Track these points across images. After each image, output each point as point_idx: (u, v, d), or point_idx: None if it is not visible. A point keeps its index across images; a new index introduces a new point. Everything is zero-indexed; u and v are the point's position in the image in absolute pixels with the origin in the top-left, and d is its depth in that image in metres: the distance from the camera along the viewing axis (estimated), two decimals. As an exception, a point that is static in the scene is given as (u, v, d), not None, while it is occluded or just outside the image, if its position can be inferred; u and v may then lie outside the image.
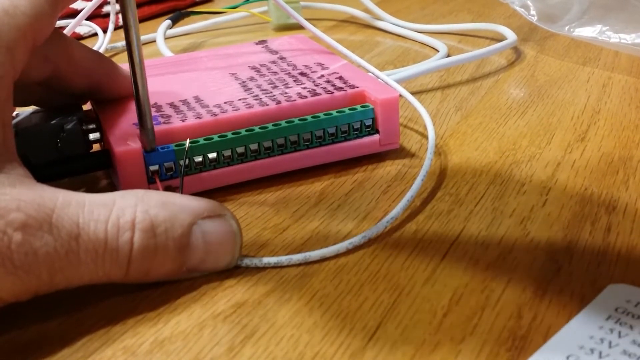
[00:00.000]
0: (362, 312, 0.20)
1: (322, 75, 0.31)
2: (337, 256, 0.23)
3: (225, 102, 0.28)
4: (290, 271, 0.22)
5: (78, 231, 0.19)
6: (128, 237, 0.20)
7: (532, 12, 0.43)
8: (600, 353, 0.18)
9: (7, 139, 0.21)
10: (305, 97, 0.28)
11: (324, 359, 0.19)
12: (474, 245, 0.23)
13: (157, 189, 0.25)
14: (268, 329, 0.20)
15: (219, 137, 0.27)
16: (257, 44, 0.36)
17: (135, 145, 0.25)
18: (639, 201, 0.25)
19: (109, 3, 0.50)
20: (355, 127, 0.28)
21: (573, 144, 0.30)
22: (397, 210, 0.25)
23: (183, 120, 0.27)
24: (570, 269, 0.22)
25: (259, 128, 0.27)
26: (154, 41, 0.46)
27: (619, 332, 0.19)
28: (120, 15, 0.56)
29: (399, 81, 0.36)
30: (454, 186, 0.27)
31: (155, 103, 0.28)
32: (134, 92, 0.24)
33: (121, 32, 0.53)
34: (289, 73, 0.31)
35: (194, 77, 0.32)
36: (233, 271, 0.22)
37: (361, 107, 0.28)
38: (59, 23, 0.49)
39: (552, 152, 0.30)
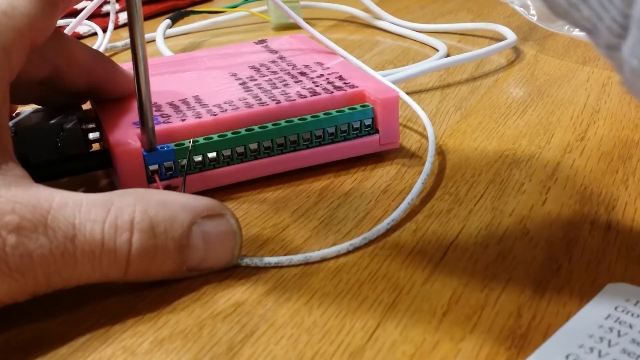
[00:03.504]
0: (361, 312, 0.20)
1: (322, 75, 0.31)
2: (337, 256, 0.23)
3: (225, 102, 0.28)
4: (289, 271, 0.22)
5: (74, 232, 0.19)
6: (126, 237, 0.20)
7: (532, 11, 0.43)
8: (599, 352, 0.18)
9: (4, 140, 0.21)
10: (305, 96, 0.28)
11: (323, 358, 0.19)
12: (474, 244, 0.23)
13: (157, 188, 0.25)
14: (267, 328, 0.20)
15: (218, 136, 0.27)
16: (256, 43, 0.36)
17: (135, 144, 0.25)
18: (638, 200, 0.25)
19: (108, 2, 0.50)
20: (354, 126, 0.28)
21: (573, 144, 0.30)
22: (398, 212, 0.25)
23: (183, 120, 0.27)
24: (570, 268, 0.22)
25: (259, 127, 0.27)
26: (154, 40, 0.46)
27: (619, 331, 0.19)
28: (119, 15, 0.56)
29: (399, 81, 0.36)
30: (454, 185, 0.27)
31: (155, 102, 0.28)
32: (136, 90, 0.24)
33: (120, 32, 0.53)
34: (289, 73, 0.31)
35: (194, 77, 0.32)
36: (232, 271, 0.22)
37: (361, 106, 0.28)
38: (59, 22, 0.49)
39: (552, 152, 0.30)
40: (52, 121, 0.26)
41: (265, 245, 0.24)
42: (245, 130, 0.27)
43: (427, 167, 0.27)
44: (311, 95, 0.28)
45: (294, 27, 0.51)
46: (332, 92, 0.29)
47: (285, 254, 0.23)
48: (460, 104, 0.35)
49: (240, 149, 0.27)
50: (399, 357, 0.18)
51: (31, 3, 0.22)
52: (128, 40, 0.49)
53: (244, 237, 0.23)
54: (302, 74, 0.31)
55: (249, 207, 0.27)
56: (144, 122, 0.25)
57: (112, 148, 0.25)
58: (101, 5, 0.53)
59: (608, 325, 0.19)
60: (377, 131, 0.29)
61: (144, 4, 0.23)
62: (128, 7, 0.23)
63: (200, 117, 0.27)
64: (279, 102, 0.28)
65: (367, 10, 0.51)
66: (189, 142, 0.26)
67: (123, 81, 0.29)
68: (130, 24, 0.23)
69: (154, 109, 0.28)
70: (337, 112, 0.28)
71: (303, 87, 0.29)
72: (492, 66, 0.41)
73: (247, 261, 0.23)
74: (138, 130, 0.26)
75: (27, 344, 0.20)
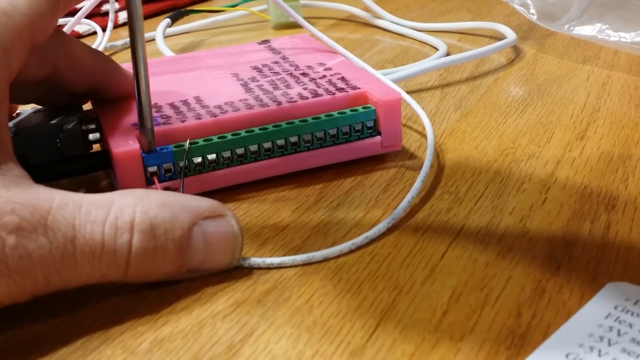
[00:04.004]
0: (361, 311, 0.20)
1: (324, 76, 0.31)
2: (338, 256, 0.23)
3: (225, 103, 0.28)
4: (289, 270, 0.22)
5: (74, 233, 0.19)
6: (126, 238, 0.20)
7: (532, 10, 0.43)
8: (599, 351, 0.18)
9: (4, 140, 0.21)
10: (307, 97, 0.28)
11: (323, 357, 0.19)
12: (474, 243, 0.23)
13: (156, 190, 0.25)
14: (267, 327, 0.20)
15: (218, 138, 0.26)
16: (259, 43, 0.36)
17: (134, 145, 0.25)
18: (638, 199, 0.25)
19: (108, 2, 0.50)
20: (356, 128, 0.28)
21: (572, 142, 0.30)
22: (398, 211, 0.25)
23: (183, 121, 0.27)
24: (570, 267, 0.22)
25: (259, 129, 0.27)
26: (153, 40, 0.46)
27: (619, 330, 0.19)
28: (119, 14, 0.56)
29: (399, 80, 0.36)
30: (454, 185, 0.27)
31: (156, 103, 0.28)
32: (135, 91, 0.24)
33: (120, 31, 0.53)
34: (291, 73, 0.31)
35: (195, 77, 0.32)
36: (232, 270, 0.22)
37: (363, 108, 0.28)
38: (59, 21, 0.49)
39: (552, 151, 0.30)
40: (52, 122, 0.26)
41: (265, 244, 0.24)
42: (246, 132, 0.27)
43: (426, 166, 0.27)
44: (313, 97, 0.28)
45: (294, 26, 0.51)
46: (333, 94, 0.28)
47: (285, 254, 0.23)
48: (460, 103, 0.35)
49: (240, 151, 0.27)
50: (398, 356, 0.19)
51: (31, 2, 0.22)
52: (128, 40, 0.49)
53: (244, 237, 0.23)
54: (304, 74, 0.31)
55: (248, 206, 0.27)
56: (143, 124, 0.25)
57: (110, 149, 0.25)
58: (100, 4, 0.53)
59: (608, 325, 0.19)
60: (379, 133, 0.29)
61: (144, 3, 0.23)
62: (128, 7, 0.23)
63: (200, 119, 0.27)
64: (279, 103, 0.28)
65: (366, 9, 0.51)
66: (186, 143, 0.26)
67: (124, 81, 0.29)
68: (130, 24, 0.23)
69: (154, 109, 0.28)
70: (338, 113, 0.28)
71: (305, 88, 0.29)
72: (492, 65, 0.41)
73: (249, 262, 0.23)
74: (137, 132, 0.26)
75: (27, 344, 0.20)
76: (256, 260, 0.23)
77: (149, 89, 0.24)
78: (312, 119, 0.28)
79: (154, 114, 0.27)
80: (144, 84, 0.24)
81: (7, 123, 0.21)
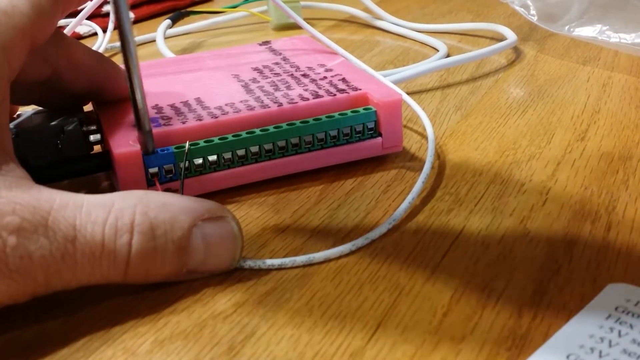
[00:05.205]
0: (362, 312, 0.20)
1: (325, 77, 0.31)
2: (339, 257, 0.23)
3: (226, 104, 0.28)
4: (290, 271, 0.22)
5: (74, 234, 0.19)
6: (126, 239, 0.20)
7: (532, 11, 0.43)
8: (600, 352, 0.18)
9: (4, 140, 0.21)
10: (307, 99, 0.28)
11: (324, 358, 0.19)
12: (474, 244, 0.23)
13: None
14: (268, 328, 0.20)
15: (219, 139, 0.26)
16: (260, 44, 0.36)
17: (135, 147, 0.25)
18: (638, 201, 0.25)
19: (108, 3, 0.50)
20: (357, 129, 0.28)
21: (573, 144, 0.30)
22: (399, 212, 0.25)
23: (183, 122, 0.27)
24: (570, 268, 0.22)
25: (260, 130, 0.27)
26: (154, 41, 0.46)
27: (619, 331, 0.19)
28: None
29: (399, 81, 0.36)
30: (454, 186, 0.27)
31: (157, 104, 0.28)
32: (130, 93, 0.24)
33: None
34: (292, 74, 0.31)
35: (196, 78, 0.32)
36: (233, 271, 0.22)
37: (364, 109, 0.28)
38: (59, 23, 0.49)
39: (552, 152, 0.30)
40: (53, 123, 0.26)
41: (266, 245, 0.24)
42: (246, 133, 0.27)
43: (427, 167, 0.27)
44: (313, 98, 0.28)
45: (294, 27, 0.51)
46: (334, 95, 0.28)
47: (286, 255, 0.23)
48: (461, 104, 0.35)
49: (241, 152, 0.27)
50: (399, 357, 0.18)
51: (32, 3, 0.22)
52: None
53: (244, 238, 0.23)
54: (305, 75, 0.31)
55: (249, 207, 0.27)
56: (140, 126, 0.24)
57: (111, 150, 0.25)
58: (101, 5, 0.53)
59: (608, 326, 0.19)
60: (379, 134, 0.29)
61: (144, 4, 0.23)
62: (117, 14, 0.23)
63: (201, 120, 0.27)
64: (280, 104, 0.28)
65: (367, 10, 0.51)
66: (186, 145, 0.26)
67: (124, 83, 0.29)
68: (119, 28, 0.23)
69: (155, 111, 0.28)
70: (339, 114, 0.28)
71: (305, 90, 0.29)
72: (493, 66, 0.41)
73: (250, 264, 0.23)
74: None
75: (28, 345, 0.20)
76: (257, 262, 0.23)
77: (143, 90, 0.24)
78: (313, 120, 0.28)
79: (155, 115, 0.27)
80: (138, 87, 0.23)
81: (8, 123, 0.21)
